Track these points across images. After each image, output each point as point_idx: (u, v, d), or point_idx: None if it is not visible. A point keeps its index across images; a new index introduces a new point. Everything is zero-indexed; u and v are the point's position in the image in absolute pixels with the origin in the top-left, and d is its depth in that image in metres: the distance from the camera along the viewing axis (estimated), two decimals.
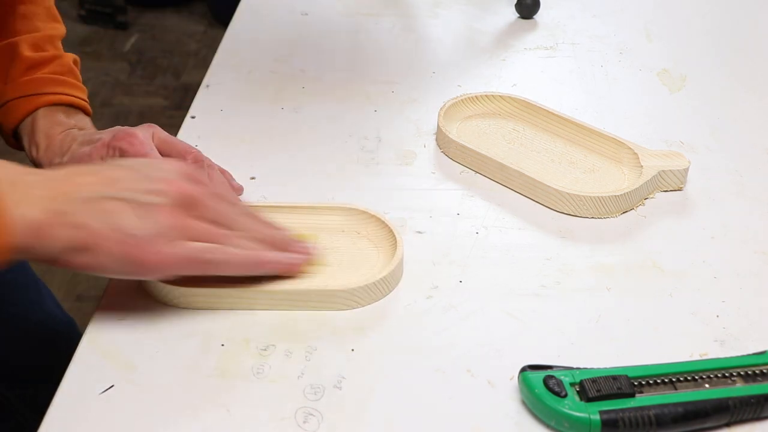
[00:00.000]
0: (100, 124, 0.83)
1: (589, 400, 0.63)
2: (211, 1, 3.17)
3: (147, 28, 3.14)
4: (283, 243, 0.74)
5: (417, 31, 1.18)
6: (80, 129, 0.84)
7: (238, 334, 0.71)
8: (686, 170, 0.88)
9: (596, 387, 0.64)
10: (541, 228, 0.84)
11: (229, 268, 0.70)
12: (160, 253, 0.65)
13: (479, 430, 0.64)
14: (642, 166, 0.88)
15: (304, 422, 0.64)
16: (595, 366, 0.67)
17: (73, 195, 0.64)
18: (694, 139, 0.97)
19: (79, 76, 0.90)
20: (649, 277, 0.78)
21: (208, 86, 1.03)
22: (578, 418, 0.63)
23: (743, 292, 0.77)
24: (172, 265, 0.67)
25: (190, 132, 0.95)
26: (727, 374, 0.67)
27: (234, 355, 0.69)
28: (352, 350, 0.70)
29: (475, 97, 0.98)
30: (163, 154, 0.79)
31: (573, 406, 0.63)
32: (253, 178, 0.88)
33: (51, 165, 0.81)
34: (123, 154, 0.77)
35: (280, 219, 0.80)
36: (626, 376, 0.65)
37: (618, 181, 0.89)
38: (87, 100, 0.89)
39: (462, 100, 0.98)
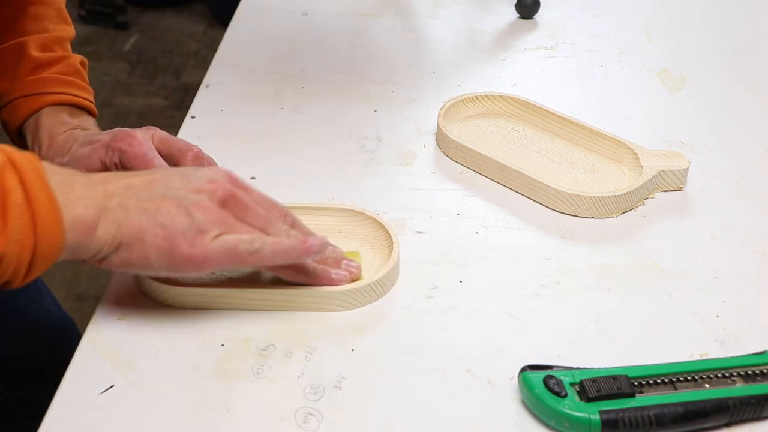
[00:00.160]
0: (101, 124, 0.83)
1: (589, 400, 0.63)
2: (211, 1, 3.17)
3: (147, 28, 3.14)
4: (329, 257, 0.75)
5: (417, 31, 1.18)
6: (84, 129, 0.85)
7: (238, 334, 0.71)
8: (686, 170, 0.88)
9: (596, 387, 0.64)
10: (541, 228, 0.84)
11: (268, 258, 0.69)
12: (199, 247, 0.66)
13: (479, 430, 0.64)
14: (642, 166, 0.88)
15: (304, 422, 0.64)
16: (595, 366, 0.67)
17: (118, 194, 0.66)
18: (694, 139, 0.97)
19: (86, 78, 0.90)
20: (649, 277, 0.78)
21: (208, 86, 1.03)
22: (578, 418, 0.63)
23: (743, 292, 0.77)
24: (212, 259, 0.67)
25: (190, 132, 0.95)
26: (727, 374, 0.67)
27: (234, 355, 0.69)
28: (352, 350, 0.70)
29: (475, 97, 0.98)
30: (164, 153, 0.79)
31: (573, 406, 0.63)
32: (253, 178, 0.88)
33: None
34: (122, 154, 0.77)
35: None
36: (626, 376, 0.65)
37: (618, 181, 0.89)
38: (93, 101, 0.89)
39: (462, 100, 0.98)
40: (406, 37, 1.16)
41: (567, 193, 0.84)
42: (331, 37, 1.15)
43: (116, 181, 0.67)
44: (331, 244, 0.75)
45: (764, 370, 0.67)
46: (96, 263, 0.66)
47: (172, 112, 2.66)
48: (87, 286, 2.09)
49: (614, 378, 0.64)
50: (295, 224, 0.73)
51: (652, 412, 0.63)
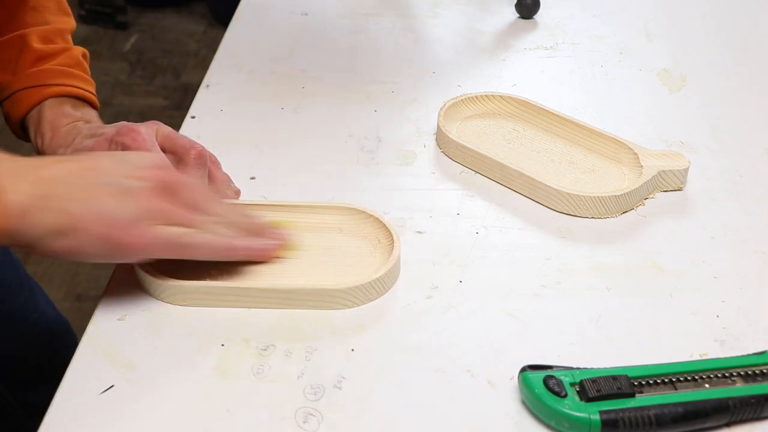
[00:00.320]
0: (101, 122, 0.83)
1: (589, 400, 0.63)
2: (211, 1, 3.17)
3: (147, 28, 3.14)
4: (257, 229, 0.75)
5: (417, 31, 1.18)
6: (86, 122, 0.85)
7: (238, 334, 0.71)
8: (686, 170, 0.88)
9: (596, 387, 0.64)
10: (541, 228, 0.84)
11: (204, 252, 0.72)
12: (139, 236, 0.67)
13: (479, 430, 0.64)
14: (642, 166, 0.88)
15: (304, 422, 0.64)
16: (595, 366, 0.67)
17: (56, 181, 0.66)
18: (694, 139, 0.97)
19: (88, 70, 0.90)
20: (649, 277, 0.78)
21: (208, 86, 1.03)
22: (578, 418, 0.63)
23: (743, 292, 0.77)
24: (150, 248, 0.68)
25: (190, 132, 0.95)
26: (727, 374, 0.67)
27: (234, 355, 0.69)
28: (352, 350, 0.70)
29: (475, 97, 0.98)
30: (167, 150, 0.79)
31: (573, 406, 0.63)
32: (253, 178, 0.88)
33: (55, 156, 0.81)
34: (125, 149, 0.77)
35: (279, 218, 0.80)
36: (626, 376, 0.65)
37: (618, 181, 0.89)
38: (95, 93, 0.89)
39: (462, 100, 0.97)
40: (406, 37, 1.16)
41: (567, 193, 0.84)
42: (331, 37, 1.15)
43: (54, 166, 0.68)
44: (255, 218, 0.76)
45: (764, 370, 0.67)
46: (35, 251, 0.66)
47: (172, 112, 2.66)
48: (87, 286, 2.09)
49: (614, 378, 0.64)
50: (231, 209, 0.74)
51: (652, 412, 0.63)
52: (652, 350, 0.71)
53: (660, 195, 0.88)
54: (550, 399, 0.64)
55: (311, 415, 0.65)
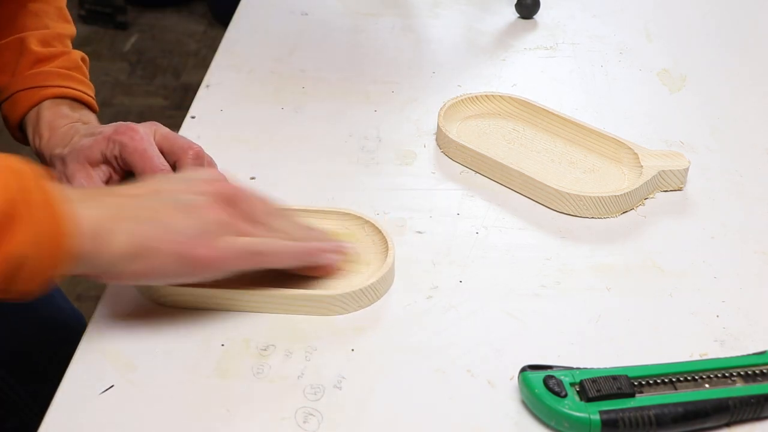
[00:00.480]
0: (101, 123, 0.83)
1: (589, 400, 0.63)
2: (211, 1, 3.17)
3: (147, 28, 3.14)
4: (321, 241, 0.75)
5: (417, 31, 1.18)
6: (84, 123, 0.85)
7: (238, 334, 0.71)
8: (686, 170, 0.88)
9: (596, 387, 0.64)
10: (541, 228, 0.84)
11: (281, 258, 0.71)
12: (214, 249, 0.67)
13: (479, 430, 0.64)
14: (642, 166, 0.88)
15: (304, 422, 0.64)
16: (595, 366, 0.67)
17: (123, 204, 0.66)
18: (694, 139, 0.97)
19: (87, 74, 0.91)
20: (649, 277, 0.78)
21: (208, 86, 1.03)
22: (578, 418, 0.63)
23: (743, 292, 0.77)
24: (225, 259, 0.67)
25: (190, 132, 0.95)
26: (727, 374, 0.67)
27: (234, 355, 0.69)
28: (352, 350, 0.70)
29: (475, 97, 0.98)
30: (165, 150, 0.79)
31: (573, 406, 0.63)
32: (253, 178, 0.88)
33: (52, 155, 0.82)
34: (123, 147, 0.77)
35: (336, 229, 0.81)
36: (626, 376, 0.65)
37: (618, 181, 0.89)
38: (93, 97, 0.89)
39: (462, 100, 0.97)
40: (406, 37, 1.16)
41: (567, 193, 0.84)
42: (331, 37, 1.15)
43: (122, 192, 0.68)
44: (315, 230, 0.76)
45: (764, 370, 0.67)
46: (109, 278, 0.66)
47: (172, 112, 2.66)
48: (87, 286, 2.09)
49: (614, 378, 0.64)
50: (292, 220, 0.74)
51: (652, 412, 0.63)
52: (652, 350, 0.71)
53: (660, 195, 0.88)
54: (550, 399, 0.64)
55: (311, 415, 0.65)
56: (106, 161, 0.79)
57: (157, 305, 0.73)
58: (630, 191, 0.85)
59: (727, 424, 0.65)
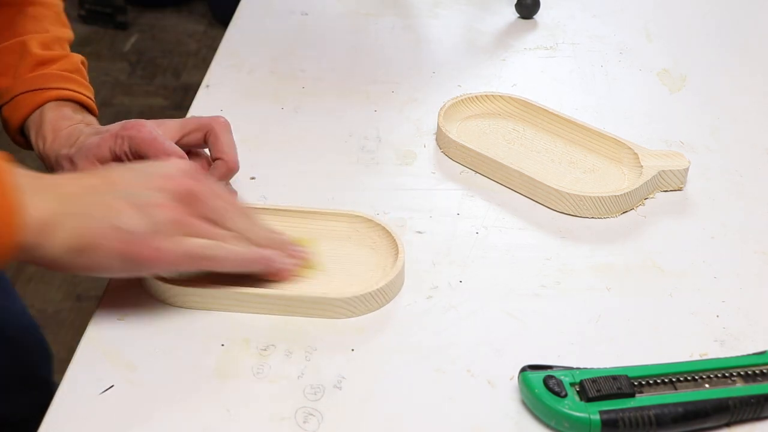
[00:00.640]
0: (101, 123, 0.83)
1: (589, 400, 0.63)
2: (211, 1, 3.17)
3: (147, 28, 3.14)
4: (279, 246, 0.74)
5: (417, 31, 1.18)
6: (87, 125, 0.85)
7: (238, 334, 0.71)
8: (686, 170, 0.88)
9: (596, 387, 0.64)
10: (541, 228, 0.84)
11: (226, 264, 0.70)
12: (158, 250, 0.66)
13: (479, 430, 0.64)
14: (642, 166, 0.88)
15: (304, 422, 0.64)
16: (595, 366, 0.67)
17: (75, 196, 0.66)
18: (694, 139, 0.97)
19: (87, 77, 0.91)
20: (649, 277, 0.78)
21: (208, 86, 1.03)
22: (578, 418, 0.63)
23: (743, 292, 0.77)
24: (170, 262, 0.67)
25: None
26: (727, 374, 0.67)
27: (234, 355, 0.69)
28: (352, 350, 0.70)
29: (475, 97, 0.98)
30: (192, 130, 0.81)
31: (573, 406, 0.63)
32: (253, 178, 0.88)
33: (58, 156, 0.81)
34: (131, 140, 0.78)
35: (285, 223, 0.80)
36: (626, 376, 0.65)
37: (618, 181, 0.89)
38: (94, 100, 0.89)
39: (462, 100, 0.97)
40: (406, 37, 1.16)
41: (567, 193, 0.84)
42: (331, 37, 1.15)
43: (74, 183, 0.67)
44: (277, 233, 0.75)
45: (764, 370, 0.67)
46: (54, 269, 0.66)
47: (172, 112, 2.66)
48: (87, 286, 2.09)
49: (614, 378, 0.64)
50: (253, 222, 0.73)
51: (652, 412, 0.63)
52: (652, 350, 0.71)
53: (660, 195, 0.88)
54: (550, 399, 0.64)
55: (311, 415, 0.65)
56: (115, 158, 0.79)
57: (158, 305, 0.73)
58: (630, 191, 0.85)
59: (727, 424, 0.65)
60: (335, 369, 0.68)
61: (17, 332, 1.05)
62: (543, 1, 1.21)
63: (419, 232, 0.82)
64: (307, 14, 1.20)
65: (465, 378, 0.68)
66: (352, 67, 1.09)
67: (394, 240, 0.78)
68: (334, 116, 0.99)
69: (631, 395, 0.64)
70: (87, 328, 0.71)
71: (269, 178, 0.89)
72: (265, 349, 0.70)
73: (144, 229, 0.66)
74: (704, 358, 0.70)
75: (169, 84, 2.84)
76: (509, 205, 0.86)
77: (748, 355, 0.69)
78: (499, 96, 0.99)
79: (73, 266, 0.65)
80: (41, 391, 0.97)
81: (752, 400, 0.64)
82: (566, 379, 0.65)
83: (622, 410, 0.63)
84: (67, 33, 0.93)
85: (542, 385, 0.64)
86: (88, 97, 0.88)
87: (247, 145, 0.93)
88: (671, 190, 0.89)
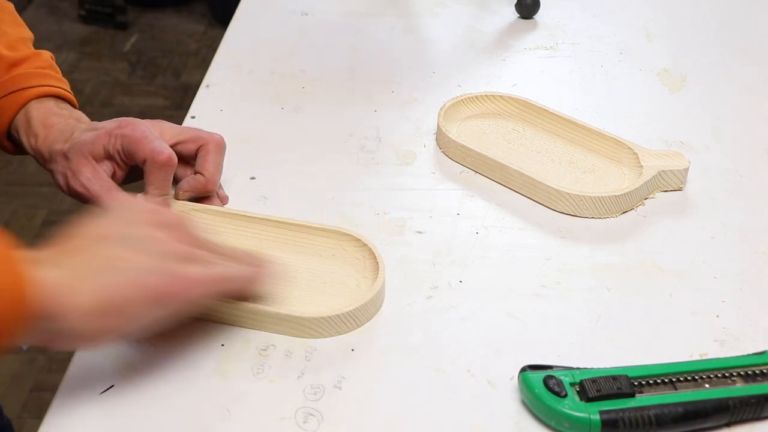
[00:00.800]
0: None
1: (589, 400, 0.63)
2: (211, 1, 3.17)
3: (147, 28, 3.14)
4: (246, 259, 0.71)
5: (417, 31, 1.18)
6: (77, 120, 0.84)
7: (238, 334, 0.71)
8: (686, 170, 0.88)
9: (596, 387, 0.64)
10: (541, 228, 0.84)
11: (242, 283, 0.69)
12: (183, 280, 0.64)
13: (479, 430, 0.64)
14: (642, 166, 0.88)
15: (304, 422, 0.64)
16: (595, 366, 0.67)
17: (79, 262, 0.62)
18: (694, 139, 0.97)
19: (59, 71, 0.90)
20: (649, 277, 0.78)
21: (208, 86, 1.03)
22: (578, 418, 0.63)
23: (743, 292, 0.77)
24: (198, 289, 0.65)
25: None
26: (727, 374, 0.67)
27: (234, 355, 0.69)
28: (352, 350, 0.70)
29: (475, 97, 0.98)
30: (186, 140, 0.82)
31: (573, 406, 0.63)
32: (253, 178, 0.88)
33: (52, 152, 0.81)
34: (124, 140, 0.78)
35: (272, 233, 0.79)
36: (626, 376, 0.65)
37: (618, 181, 0.89)
38: (72, 92, 0.89)
39: (462, 100, 0.97)
40: (406, 37, 1.16)
41: (567, 193, 0.84)
42: (331, 37, 1.15)
43: (72, 248, 0.63)
44: (236, 250, 0.72)
45: (764, 370, 0.67)
46: (78, 342, 0.62)
47: (172, 112, 2.66)
48: None
49: (614, 378, 0.64)
50: (223, 245, 0.71)
51: (652, 412, 0.63)
52: (652, 350, 0.71)
53: (660, 195, 0.88)
54: (550, 399, 0.64)
55: (311, 415, 0.65)
56: (109, 157, 0.79)
57: None
58: (630, 191, 0.85)
59: (727, 424, 0.65)
60: (335, 369, 0.68)
61: None
62: (543, 1, 1.21)
63: (419, 232, 0.82)
64: (307, 14, 1.20)
65: (465, 378, 0.68)
66: (352, 67, 1.09)
67: (377, 261, 0.75)
68: (334, 116, 0.99)
69: (631, 395, 0.64)
70: None
71: (269, 178, 0.89)
72: (265, 349, 0.70)
73: (160, 266, 0.63)
74: (704, 358, 0.70)
75: (169, 84, 2.85)
76: (509, 205, 0.86)
77: (748, 355, 0.69)
78: (499, 96, 0.99)
79: (99, 331, 0.61)
80: None
81: (752, 400, 0.65)
82: (566, 379, 0.65)
83: (622, 410, 0.63)
84: (27, 32, 0.92)
85: (542, 385, 0.64)
86: (67, 90, 0.88)
87: (247, 145, 0.93)
88: (671, 190, 0.89)
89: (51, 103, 0.85)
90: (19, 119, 0.85)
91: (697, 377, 0.66)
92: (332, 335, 0.71)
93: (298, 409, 0.65)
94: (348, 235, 0.78)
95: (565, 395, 0.64)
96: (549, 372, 0.65)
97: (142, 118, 0.82)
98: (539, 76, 1.08)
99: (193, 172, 0.83)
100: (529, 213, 0.85)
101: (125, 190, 0.80)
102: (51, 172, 0.82)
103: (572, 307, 0.75)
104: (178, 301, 0.64)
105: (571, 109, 0.99)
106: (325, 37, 1.15)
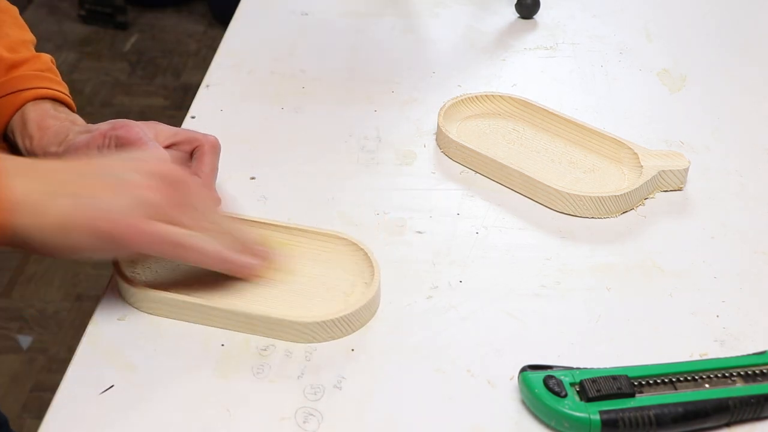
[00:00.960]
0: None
1: (589, 400, 0.63)
2: (211, 1, 3.17)
3: (147, 28, 3.14)
4: (245, 244, 0.72)
5: (417, 31, 1.18)
6: (73, 123, 0.84)
7: (238, 334, 0.71)
8: (686, 170, 0.88)
9: (596, 387, 0.64)
10: (541, 228, 0.84)
11: (194, 256, 0.70)
12: (132, 227, 0.66)
13: (479, 430, 0.64)
14: (642, 166, 0.88)
15: (304, 422, 0.64)
16: (595, 366, 0.67)
17: (61, 179, 0.67)
18: (694, 139, 0.97)
19: (59, 74, 0.90)
20: (649, 277, 0.78)
21: (208, 86, 1.03)
22: (578, 418, 0.63)
23: (743, 292, 0.77)
24: (144, 242, 0.67)
25: None
26: (727, 374, 0.67)
27: (234, 355, 0.69)
28: (352, 350, 0.70)
29: (475, 97, 0.98)
30: (180, 142, 0.81)
31: (573, 406, 0.63)
32: (253, 178, 0.88)
33: (46, 154, 0.81)
34: (119, 141, 0.78)
35: (267, 236, 0.78)
36: (626, 376, 0.65)
37: (618, 181, 0.89)
38: (70, 96, 0.89)
39: (462, 100, 0.97)
40: (406, 37, 1.16)
41: (567, 193, 0.84)
42: (331, 37, 1.15)
43: (58, 166, 0.69)
44: (245, 232, 0.74)
45: (764, 370, 0.67)
46: (43, 252, 0.66)
47: (172, 112, 2.66)
48: (87, 286, 2.09)
49: (614, 378, 0.64)
50: (227, 216, 0.74)
51: (652, 412, 0.63)
52: (652, 350, 0.71)
53: (660, 195, 0.88)
54: (550, 399, 0.64)
55: (311, 415, 0.65)
56: None
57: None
58: (630, 191, 0.85)
59: (727, 424, 0.65)
60: (335, 369, 0.68)
61: None
62: (543, 1, 1.21)
63: (419, 232, 0.82)
64: (307, 14, 1.20)
65: (465, 378, 0.68)
66: (352, 67, 1.09)
67: (372, 267, 0.75)
68: (334, 116, 0.99)
69: (631, 395, 0.64)
70: (87, 328, 0.71)
71: (269, 178, 0.89)
72: (265, 349, 0.70)
73: (124, 207, 0.66)
74: (704, 358, 0.70)
75: (169, 84, 2.84)
76: (509, 205, 0.86)
77: (748, 355, 0.69)
78: (499, 96, 0.99)
79: (57, 248, 0.66)
80: None
81: (752, 400, 0.65)
82: (566, 379, 0.65)
83: (622, 410, 0.63)
84: (29, 35, 0.92)
85: (542, 385, 0.64)
86: (65, 94, 0.88)
87: (246, 145, 0.93)
88: (671, 190, 0.89)
89: (48, 106, 0.85)
90: (16, 121, 0.85)
91: (697, 377, 0.66)
92: (327, 340, 0.71)
93: (298, 409, 0.65)
94: (343, 238, 0.78)
95: (565, 395, 0.64)
96: (549, 372, 0.65)
97: (142, 118, 0.82)
98: (539, 76, 1.08)
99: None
100: (529, 213, 0.85)
101: None
102: None
103: (572, 307, 0.75)
104: (124, 245, 0.67)
105: (571, 109, 0.99)
106: (325, 37, 1.15)
